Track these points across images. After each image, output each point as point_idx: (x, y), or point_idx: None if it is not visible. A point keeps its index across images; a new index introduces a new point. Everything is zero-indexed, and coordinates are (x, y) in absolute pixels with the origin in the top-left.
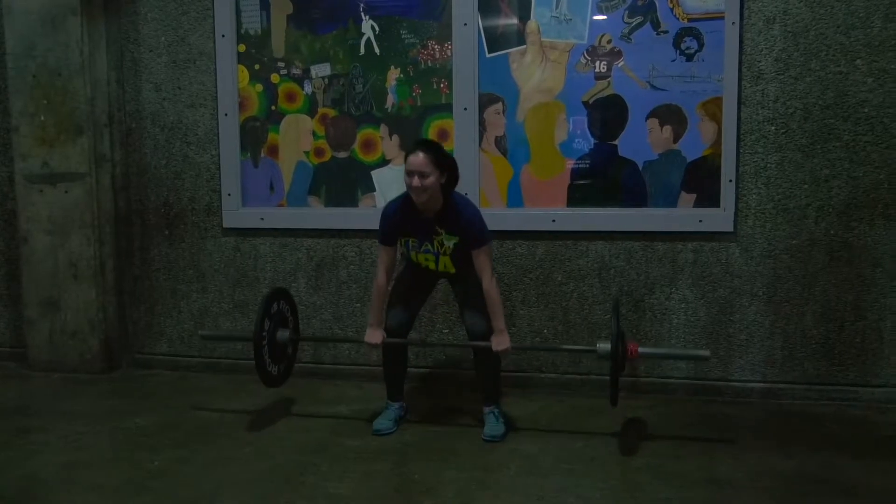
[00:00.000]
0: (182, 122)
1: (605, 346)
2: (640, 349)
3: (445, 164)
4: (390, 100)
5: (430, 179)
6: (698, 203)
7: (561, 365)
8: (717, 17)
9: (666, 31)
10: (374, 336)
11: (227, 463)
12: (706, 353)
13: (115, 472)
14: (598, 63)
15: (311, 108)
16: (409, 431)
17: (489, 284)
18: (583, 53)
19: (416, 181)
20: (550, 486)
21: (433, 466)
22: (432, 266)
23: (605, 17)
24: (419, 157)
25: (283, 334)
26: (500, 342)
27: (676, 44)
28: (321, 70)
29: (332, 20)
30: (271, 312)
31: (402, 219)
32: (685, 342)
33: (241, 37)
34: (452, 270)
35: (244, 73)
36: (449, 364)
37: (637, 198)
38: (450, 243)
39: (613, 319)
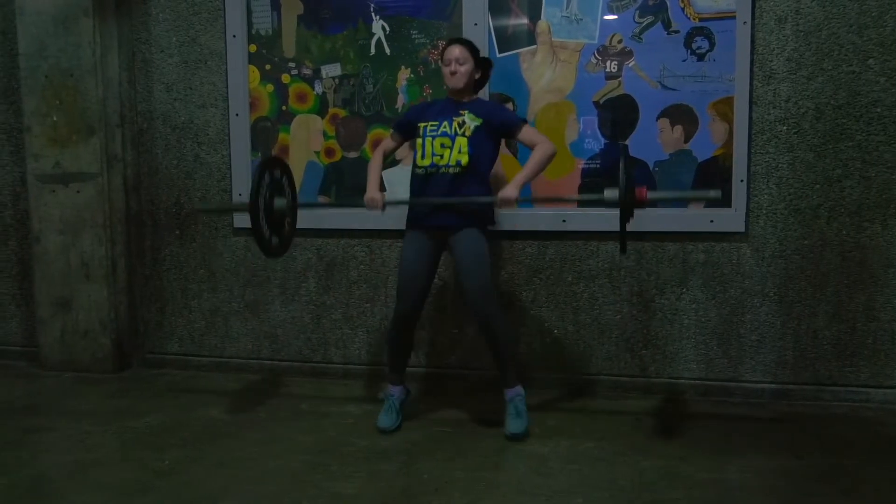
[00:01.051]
0: (193, 122)
1: (612, 192)
2: (649, 193)
3: (479, 58)
4: (401, 100)
5: (467, 66)
6: (709, 203)
7: (571, 365)
8: (729, 16)
9: (677, 31)
10: (373, 193)
11: (236, 462)
12: (717, 192)
13: (123, 471)
14: (608, 63)
15: (321, 109)
16: (418, 431)
17: (543, 144)
18: (593, 53)
19: (453, 66)
20: (559, 487)
21: (441, 466)
22: (445, 158)
23: (615, 16)
24: (456, 48)
25: (280, 202)
26: (505, 191)
27: (687, 43)
28: (331, 70)
29: (342, 20)
30: (266, 181)
31: (430, 107)
32: (696, 342)
33: (251, 37)
34: (465, 160)
35: (255, 74)
36: (458, 364)
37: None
38: (472, 123)
39: (621, 163)
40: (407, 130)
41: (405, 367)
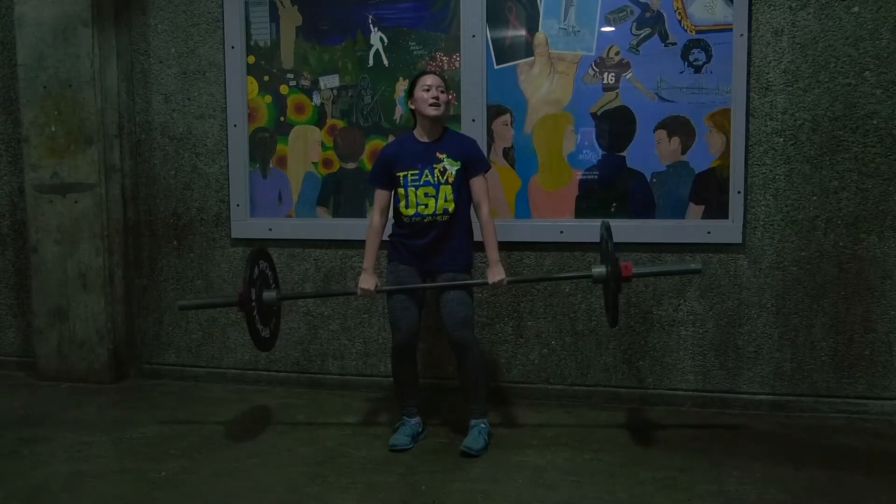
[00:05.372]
0: (191, 132)
1: (599, 269)
2: (634, 269)
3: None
4: (399, 111)
5: (445, 96)
6: (706, 215)
7: (569, 376)
8: (726, 28)
9: (674, 43)
10: (368, 281)
11: (233, 473)
12: (698, 265)
13: (120, 482)
14: (606, 75)
15: (319, 120)
16: (416, 443)
17: (488, 214)
18: (591, 65)
19: (434, 92)
20: (557, 499)
21: (439, 478)
22: (431, 207)
23: (613, 28)
24: (436, 77)
25: (269, 295)
26: (495, 273)
27: (684, 55)
28: (330, 81)
29: (340, 32)
30: (255, 275)
31: (401, 151)
32: (693, 354)
33: (250, 48)
34: (452, 208)
35: (253, 85)
36: (456, 375)
37: (645, 209)
38: (452, 169)
39: (606, 242)
40: (388, 180)
41: (416, 396)
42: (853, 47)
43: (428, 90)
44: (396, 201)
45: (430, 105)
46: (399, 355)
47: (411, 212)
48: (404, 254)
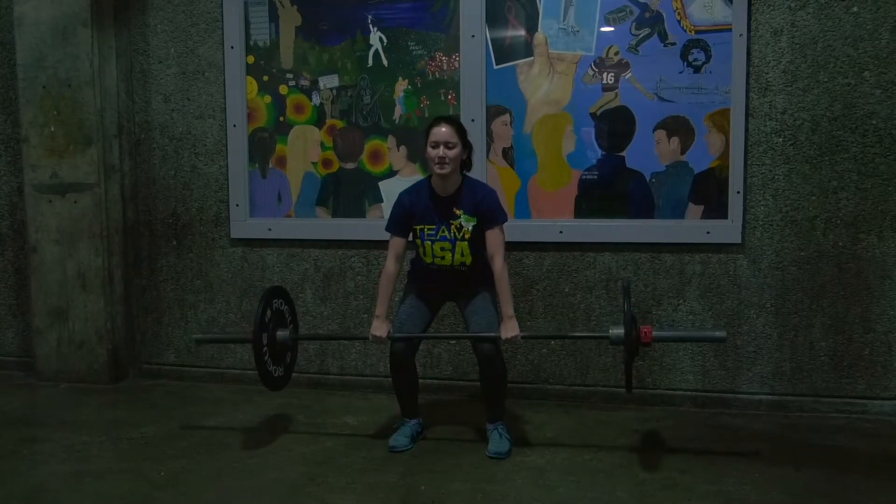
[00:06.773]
0: (191, 132)
1: (617, 331)
2: (655, 333)
3: (466, 140)
4: (398, 111)
5: (456, 151)
6: (706, 214)
7: (568, 377)
8: (725, 29)
9: (673, 43)
10: (381, 328)
11: (233, 473)
12: (722, 333)
13: (120, 482)
14: (605, 75)
15: (319, 120)
16: (416, 443)
17: (501, 267)
18: (590, 65)
19: (442, 151)
20: (557, 499)
21: (439, 478)
22: (448, 259)
23: (612, 28)
24: (446, 129)
25: (283, 334)
26: (508, 329)
27: (684, 56)
28: (329, 81)
29: (340, 32)
30: (270, 313)
31: (418, 203)
32: (693, 354)
33: (249, 48)
34: (469, 260)
35: (253, 85)
36: (456, 376)
37: (644, 209)
38: (468, 226)
39: (625, 303)
40: (406, 229)
41: (416, 398)
42: (852, 47)
43: (436, 147)
44: (416, 247)
45: (437, 165)
46: (396, 362)
47: (429, 260)
48: (423, 279)
